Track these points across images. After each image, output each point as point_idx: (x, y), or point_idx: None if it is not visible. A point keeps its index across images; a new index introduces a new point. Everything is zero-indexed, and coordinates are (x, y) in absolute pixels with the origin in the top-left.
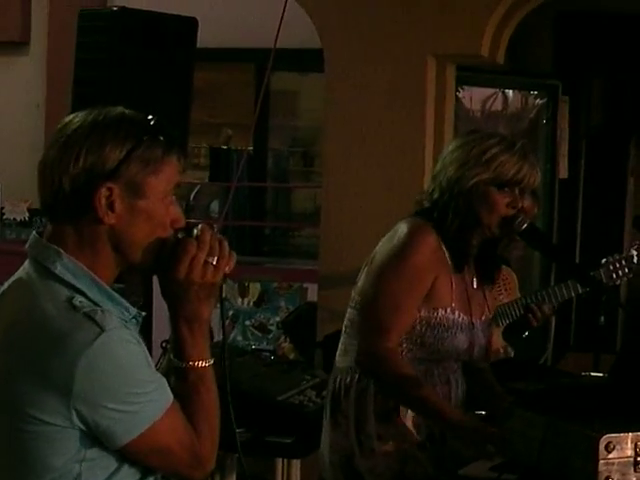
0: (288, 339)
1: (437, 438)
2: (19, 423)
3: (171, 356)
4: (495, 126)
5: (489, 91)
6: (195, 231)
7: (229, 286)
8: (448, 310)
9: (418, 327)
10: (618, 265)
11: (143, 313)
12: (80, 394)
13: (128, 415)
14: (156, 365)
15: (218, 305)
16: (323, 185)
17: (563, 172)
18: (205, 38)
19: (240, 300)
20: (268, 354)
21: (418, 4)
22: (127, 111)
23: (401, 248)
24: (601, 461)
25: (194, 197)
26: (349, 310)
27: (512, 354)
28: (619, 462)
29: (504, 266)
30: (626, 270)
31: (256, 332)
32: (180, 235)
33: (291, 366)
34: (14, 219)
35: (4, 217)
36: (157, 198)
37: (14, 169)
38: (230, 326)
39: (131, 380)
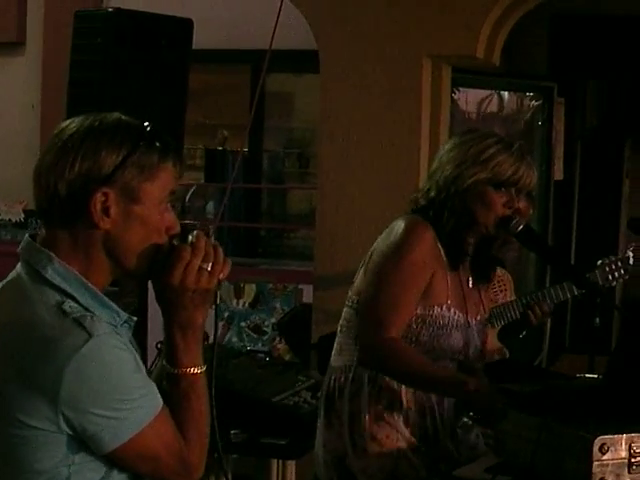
0: (283, 340)
1: (430, 439)
2: (7, 427)
3: (164, 362)
4: (490, 128)
5: (484, 93)
6: (190, 237)
7: (224, 287)
8: (444, 307)
9: (414, 325)
10: (614, 267)
11: (134, 318)
12: (67, 399)
13: (116, 421)
14: (150, 367)
15: (213, 307)
16: (318, 186)
17: (558, 174)
18: (200, 39)
19: (235, 301)
20: (263, 355)
21: (414, 6)
22: (123, 117)
23: (399, 245)
24: (595, 462)
25: (189, 198)
26: (345, 309)
27: (507, 355)
28: (613, 463)
29: (499, 267)
30: (622, 272)
31: (251, 333)
32: (175, 242)
33: (286, 367)
34: (9, 220)
35: None
36: (152, 204)
37: (9, 170)
38: (225, 327)
39: (119, 386)
